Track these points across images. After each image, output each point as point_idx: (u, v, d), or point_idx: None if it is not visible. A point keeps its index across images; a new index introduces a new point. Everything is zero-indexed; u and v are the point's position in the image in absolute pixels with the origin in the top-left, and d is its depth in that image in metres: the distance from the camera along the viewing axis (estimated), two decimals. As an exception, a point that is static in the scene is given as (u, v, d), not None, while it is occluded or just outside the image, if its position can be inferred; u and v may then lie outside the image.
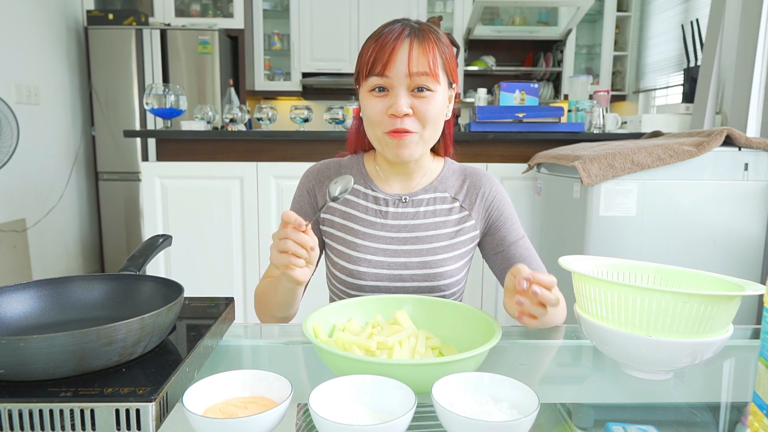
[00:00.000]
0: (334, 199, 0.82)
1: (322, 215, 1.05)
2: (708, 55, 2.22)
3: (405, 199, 1.03)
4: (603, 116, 2.49)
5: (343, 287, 1.01)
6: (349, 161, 1.09)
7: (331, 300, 1.08)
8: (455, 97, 1.02)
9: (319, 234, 1.06)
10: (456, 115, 2.69)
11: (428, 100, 0.92)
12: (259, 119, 2.60)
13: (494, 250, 1.05)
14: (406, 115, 0.91)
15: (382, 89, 0.92)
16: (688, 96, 2.57)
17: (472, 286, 2.48)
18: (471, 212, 1.04)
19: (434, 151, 1.09)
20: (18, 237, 3.35)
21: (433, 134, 0.96)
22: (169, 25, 4.11)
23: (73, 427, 0.53)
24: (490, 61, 4.53)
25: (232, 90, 3.13)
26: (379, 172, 1.05)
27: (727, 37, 2.16)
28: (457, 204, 1.04)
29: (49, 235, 3.63)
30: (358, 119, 1.06)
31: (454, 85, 0.99)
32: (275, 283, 0.94)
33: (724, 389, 0.80)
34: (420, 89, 0.91)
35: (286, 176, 2.39)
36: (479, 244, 1.08)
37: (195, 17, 4.26)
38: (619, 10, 4.44)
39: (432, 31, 0.94)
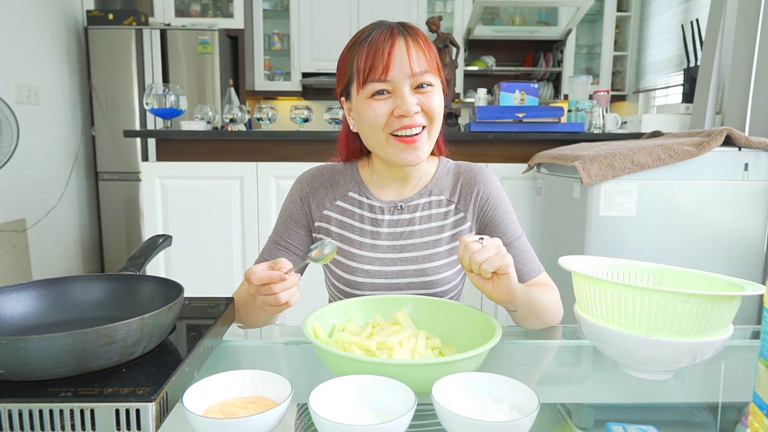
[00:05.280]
0: (312, 259, 0.78)
1: (318, 224, 1.02)
2: (707, 54, 2.22)
3: (401, 206, 1.01)
4: (603, 116, 2.49)
5: (340, 294, 1.00)
6: (342, 168, 1.06)
7: (331, 300, 1.07)
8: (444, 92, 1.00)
9: (313, 242, 1.05)
10: (456, 115, 2.70)
11: (432, 94, 0.91)
12: (259, 119, 2.60)
13: None
14: (416, 112, 0.90)
15: (382, 92, 0.90)
16: (688, 96, 2.57)
17: (472, 285, 2.47)
18: (466, 213, 1.01)
19: None
20: (18, 237, 3.35)
21: (438, 129, 0.95)
22: (169, 25, 4.11)
23: (73, 427, 0.53)
24: (490, 61, 4.53)
25: (232, 90, 3.13)
26: (374, 178, 1.03)
27: (727, 37, 2.16)
28: (452, 206, 1.01)
29: (49, 235, 3.63)
30: (346, 127, 1.03)
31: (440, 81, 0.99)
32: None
33: (724, 389, 0.80)
34: (421, 86, 0.90)
35: (286, 176, 2.39)
36: None
37: (195, 17, 4.26)
38: (619, 10, 4.44)
39: (416, 27, 0.93)
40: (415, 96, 0.90)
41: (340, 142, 1.07)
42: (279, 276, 0.73)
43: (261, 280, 0.73)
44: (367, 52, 0.89)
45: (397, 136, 0.91)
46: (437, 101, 0.91)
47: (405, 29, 0.90)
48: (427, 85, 0.90)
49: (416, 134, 0.91)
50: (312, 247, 0.79)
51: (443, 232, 1.00)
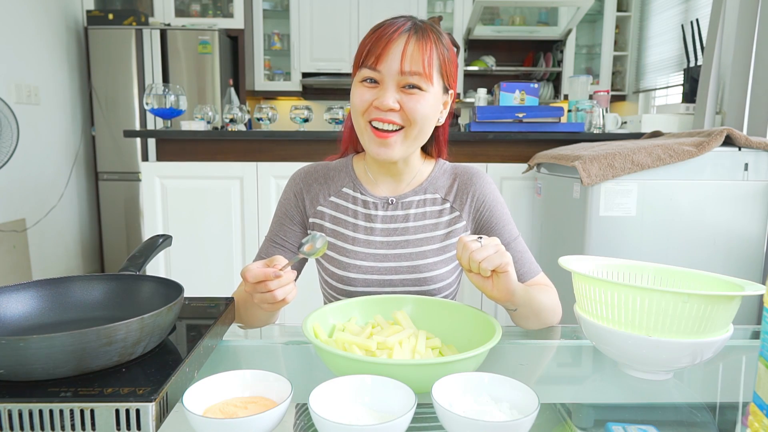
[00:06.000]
0: (304, 254, 0.78)
1: (312, 220, 1.02)
2: (708, 54, 2.22)
3: (392, 201, 1.00)
4: (603, 116, 2.49)
5: (333, 292, 1.00)
6: (337, 164, 1.06)
7: (325, 302, 1.07)
8: (452, 103, 0.99)
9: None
10: (456, 115, 2.70)
11: (417, 97, 0.88)
12: (259, 119, 2.60)
13: None
14: (392, 109, 0.88)
15: (372, 81, 0.90)
16: (688, 96, 2.57)
17: (472, 285, 2.47)
18: (461, 213, 1.01)
19: (427, 152, 1.06)
20: (18, 237, 3.35)
21: (420, 135, 0.92)
22: (169, 25, 4.11)
23: (73, 427, 0.53)
24: (490, 61, 4.52)
25: (232, 90, 3.13)
26: (368, 173, 1.03)
27: (727, 37, 2.16)
28: (447, 205, 1.01)
29: (49, 235, 3.63)
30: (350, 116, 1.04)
31: (450, 91, 0.96)
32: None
33: (724, 389, 0.80)
34: (410, 86, 0.88)
35: (286, 176, 2.36)
36: None
37: (195, 17, 4.26)
38: (619, 10, 4.44)
39: (434, 31, 0.91)
40: (399, 94, 0.89)
41: (345, 129, 1.07)
42: (274, 273, 0.73)
43: (256, 278, 0.73)
44: (371, 37, 0.89)
45: (373, 126, 0.91)
46: (421, 106, 0.89)
47: (416, 27, 0.89)
48: (417, 88, 0.88)
49: (389, 131, 0.90)
50: (303, 241, 0.79)
51: (437, 230, 1.00)
